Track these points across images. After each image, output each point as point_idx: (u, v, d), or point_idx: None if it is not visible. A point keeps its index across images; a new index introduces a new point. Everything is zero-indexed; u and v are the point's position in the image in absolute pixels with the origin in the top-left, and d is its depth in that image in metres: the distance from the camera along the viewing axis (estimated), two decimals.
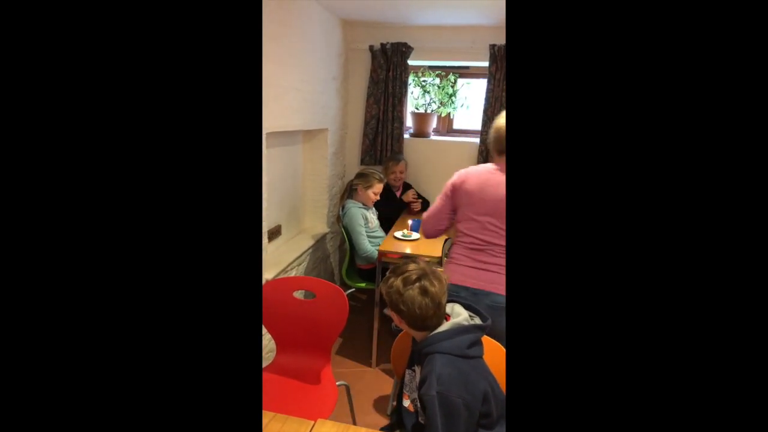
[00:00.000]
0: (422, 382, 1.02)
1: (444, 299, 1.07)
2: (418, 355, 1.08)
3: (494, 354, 1.26)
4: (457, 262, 1.45)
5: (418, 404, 1.07)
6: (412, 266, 1.09)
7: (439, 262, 1.96)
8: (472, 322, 1.08)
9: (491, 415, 1.01)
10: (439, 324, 1.07)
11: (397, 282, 1.06)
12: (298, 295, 1.69)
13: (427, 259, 2.01)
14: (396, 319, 1.10)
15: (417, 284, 1.04)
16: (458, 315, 1.10)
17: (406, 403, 1.13)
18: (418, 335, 1.09)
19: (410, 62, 2.84)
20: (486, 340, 1.30)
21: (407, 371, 1.17)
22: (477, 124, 2.87)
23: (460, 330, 1.04)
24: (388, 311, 1.15)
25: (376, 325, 2.24)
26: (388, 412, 1.97)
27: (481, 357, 1.07)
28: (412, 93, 3.02)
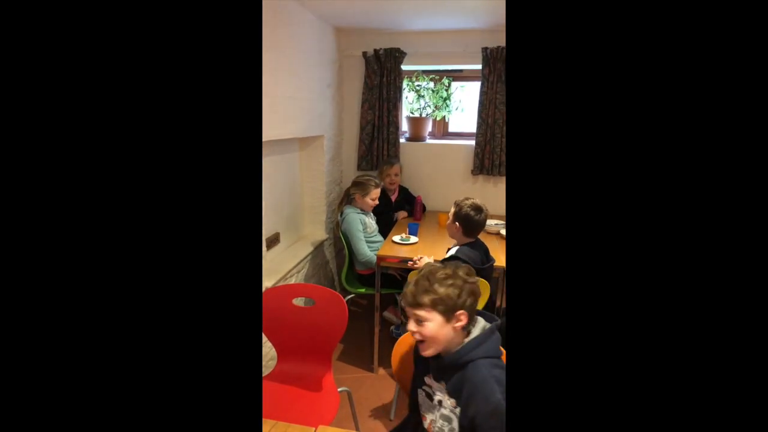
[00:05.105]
0: (473, 393, 0.94)
1: None
2: (448, 368, 1.01)
3: None
4: None
5: (441, 425, 1.02)
6: (448, 269, 1.03)
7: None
8: (489, 323, 1.06)
9: None
10: (470, 329, 1.03)
11: (461, 273, 1.02)
12: (298, 302, 1.69)
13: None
14: (449, 329, 0.99)
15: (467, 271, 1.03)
16: (477, 319, 1.05)
17: (426, 422, 1.07)
18: (459, 340, 1.01)
19: (404, 67, 2.85)
20: None
21: (419, 390, 1.10)
22: (472, 127, 2.89)
23: (488, 332, 1.02)
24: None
25: (377, 330, 2.24)
26: (391, 417, 1.97)
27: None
28: (406, 98, 3.04)
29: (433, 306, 0.99)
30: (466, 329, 1.02)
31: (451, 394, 1.01)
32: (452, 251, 1.82)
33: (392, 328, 2.60)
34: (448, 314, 0.98)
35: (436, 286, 0.99)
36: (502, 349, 1.24)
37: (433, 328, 0.99)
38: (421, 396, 1.10)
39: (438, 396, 1.05)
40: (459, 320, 0.98)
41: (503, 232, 2.40)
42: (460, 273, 1.01)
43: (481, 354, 0.97)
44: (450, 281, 0.99)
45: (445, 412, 1.02)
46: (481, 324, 1.04)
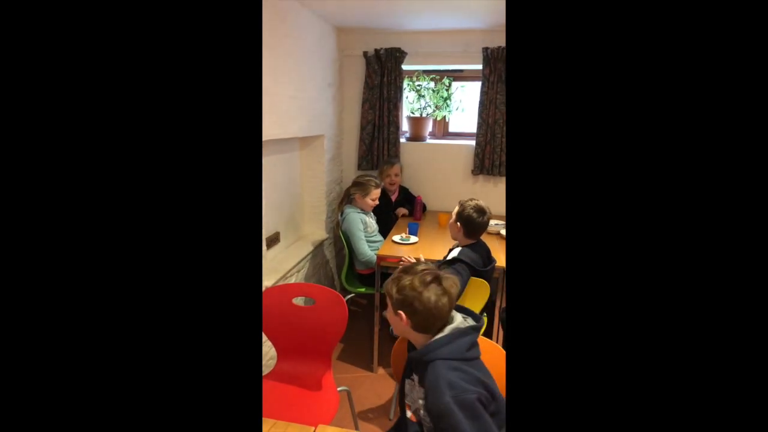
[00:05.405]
0: (428, 392, 0.98)
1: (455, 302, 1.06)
2: (417, 363, 1.06)
3: (494, 354, 1.26)
4: None
5: (421, 414, 1.04)
6: (422, 267, 1.08)
7: (439, 266, 1.91)
8: (467, 324, 1.07)
9: (499, 413, 0.99)
10: (443, 328, 1.05)
11: (415, 281, 1.04)
12: (298, 301, 1.69)
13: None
14: (398, 320, 1.07)
15: (435, 284, 1.03)
16: (454, 318, 1.08)
17: (409, 413, 1.10)
18: (420, 339, 1.07)
19: (404, 67, 2.85)
20: (484, 341, 1.30)
21: (406, 381, 1.14)
22: (472, 127, 2.89)
23: (457, 333, 1.03)
24: (387, 313, 1.11)
25: (376, 329, 2.24)
26: (390, 417, 1.97)
27: (479, 358, 1.06)
28: (407, 97, 3.04)
29: (385, 292, 1.12)
30: (429, 331, 1.05)
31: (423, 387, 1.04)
32: (454, 252, 1.81)
33: (391, 327, 2.59)
34: (394, 307, 1.08)
35: (390, 280, 1.10)
36: (501, 348, 1.25)
37: (388, 310, 1.12)
38: (408, 386, 1.13)
39: (416, 387, 1.08)
40: (401, 317, 1.06)
41: (503, 232, 2.40)
42: (416, 282, 1.03)
43: (443, 355, 1.00)
44: (398, 282, 1.06)
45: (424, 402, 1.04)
46: (454, 324, 1.06)
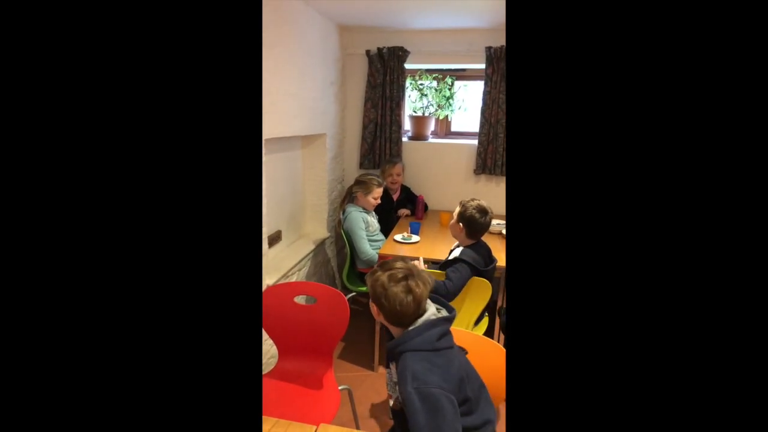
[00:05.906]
0: (398, 381, 1.03)
1: (425, 301, 1.09)
2: (391, 354, 1.10)
3: (494, 354, 1.26)
4: None
5: (400, 401, 1.07)
6: (399, 264, 1.12)
7: (442, 266, 1.89)
8: (439, 315, 1.11)
9: (470, 400, 1.03)
10: (415, 320, 1.09)
11: (383, 277, 1.09)
12: (300, 300, 1.70)
13: (426, 264, 2.01)
14: (375, 311, 1.13)
15: (402, 283, 1.06)
16: (425, 310, 1.12)
17: (391, 402, 1.15)
18: (394, 330, 1.12)
19: (407, 66, 2.85)
20: (484, 340, 1.31)
21: (387, 370, 1.18)
22: (475, 126, 2.89)
23: (428, 325, 1.07)
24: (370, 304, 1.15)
25: (377, 328, 2.24)
26: (390, 416, 1.97)
27: (451, 347, 1.09)
28: (409, 96, 3.03)
29: None
30: (400, 325, 1.09)
31: None
32: (456, 252, 1.81)
33: None
34: (370, 298, 1.14)
35: (369, 273, 1.15)
36: (501, 347, 1.25)
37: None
38: (388, 375, 1.17)
39: (393, 376, 1.11)
40: (374, 308, 1.13)
41: (505, 231, 2.40)
42: (385, 279, 1.08)
43: (413, 347, 1.04)
44: (372, 276, 1.13)
45: None
46: (426, 315, 1.09)
